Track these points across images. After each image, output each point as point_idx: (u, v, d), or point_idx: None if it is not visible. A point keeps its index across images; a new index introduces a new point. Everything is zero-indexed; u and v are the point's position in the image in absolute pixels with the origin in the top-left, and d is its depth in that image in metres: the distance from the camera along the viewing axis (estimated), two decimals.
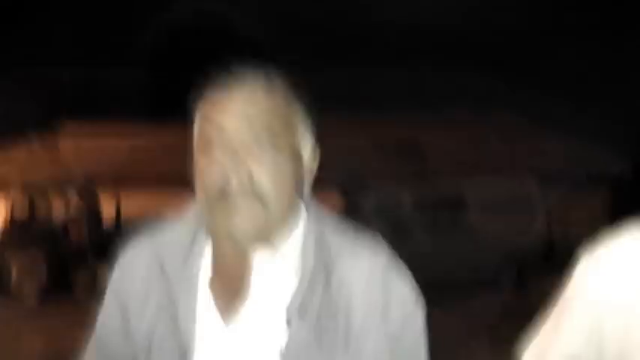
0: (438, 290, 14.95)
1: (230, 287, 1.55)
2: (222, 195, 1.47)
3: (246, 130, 1.48)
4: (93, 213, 16.57)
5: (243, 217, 1.46)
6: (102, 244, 14.32)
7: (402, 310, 1.58)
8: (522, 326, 1.99)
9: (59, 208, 16.71)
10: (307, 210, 1.60)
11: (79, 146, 24.28)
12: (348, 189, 21.99)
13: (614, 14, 25.42)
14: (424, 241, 16.13)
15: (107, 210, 17.43)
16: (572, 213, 18.15)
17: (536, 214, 19.41)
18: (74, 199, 16.68)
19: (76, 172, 19.20)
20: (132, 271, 1.64)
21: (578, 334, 1.57)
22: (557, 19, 26.57)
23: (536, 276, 14.00)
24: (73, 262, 15.20)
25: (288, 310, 1.51)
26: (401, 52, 26.75)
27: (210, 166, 1.49)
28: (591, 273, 1.56)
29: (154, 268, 1.59)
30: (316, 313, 1.49)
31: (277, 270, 1.53)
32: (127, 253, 1.67)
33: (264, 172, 1.48)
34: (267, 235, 1.51)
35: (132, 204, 17.79)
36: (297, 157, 1.55)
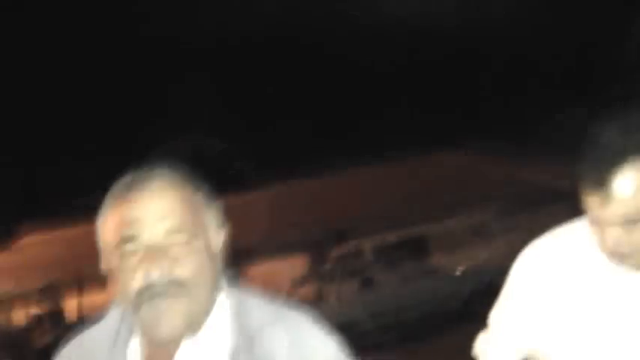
0: (411, 333, 14.98)
1: None
2: (145, 293, 1.49)
3: (157, 225, 1.52)
4: (55, 313, 16.36)
5: (169, 316, 1.49)
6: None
7: None
8: None
9: (21, 312, 16.49)
10: (224, 286, 1.62)
11: (39, 249, 23.99)
12: (309, 244, 22.05)
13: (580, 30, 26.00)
14: (390, 284, 16.12)
15: (71, 307, 17.23)
16: (534, 237, 18.21)
17: (497, 244, 19.53)
18: (35, 301, 16.49)
19: (36, 275, 18.92)
20: None
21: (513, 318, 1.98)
22: (518, 38, 27.07)
23: None
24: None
25: None
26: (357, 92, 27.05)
27: (128, 265, 1.51)
28: (521, 267, 1.99)
29: None
30: None
31: (202, 352, 1.55)
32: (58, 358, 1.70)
33: (182, 264, 1.51)
34: (194, 325, 1.54)
35: (96, 300, 17.56)
36: (207, 242, 1.58)
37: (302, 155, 24.62)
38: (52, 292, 16.96)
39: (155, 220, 1.52)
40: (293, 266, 20.61)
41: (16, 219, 24.86)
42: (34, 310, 16.54)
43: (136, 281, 1.50)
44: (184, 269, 1.51)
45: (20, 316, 16.56)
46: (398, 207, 23.39)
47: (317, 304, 14.61)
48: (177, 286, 1.49)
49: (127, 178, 1.58)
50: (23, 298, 16.78)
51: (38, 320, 16.15)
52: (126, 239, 1.52)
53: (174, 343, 1.55)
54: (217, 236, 1.62)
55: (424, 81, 27.50)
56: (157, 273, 1.49)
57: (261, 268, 21.21)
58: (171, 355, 1.55)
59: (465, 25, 25.50)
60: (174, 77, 26.77)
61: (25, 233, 25.19)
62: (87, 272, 19.06)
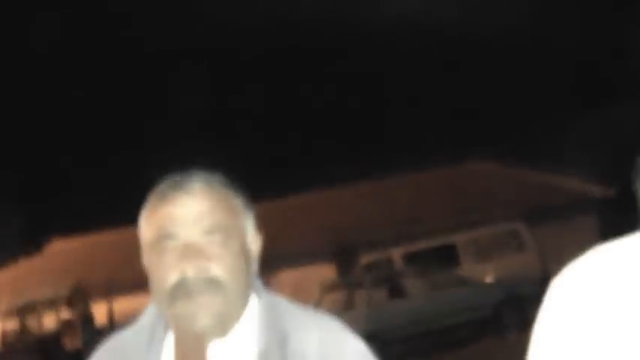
0: (439, 341, 14.88)
1: None
2: (181, 290, 1.55)
3: (195, 225, 1.58)
4: (86, 318, 16.47)
5: (204, 312, 1.55)
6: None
7: None
8: None
9: (51, 318, 16.60)
10: (256, 291, 1.67)
11: (68, 254, 24.16)
12: (339, 252, 22.02)
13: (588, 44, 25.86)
14: (420, 293, 16.04)
15: (101, 313, 17.32)
16: (564, 243, 18.09)
17: (527, 252, 19.41)
18: (65, 307, 16.59)
19: (66, 280, 19.05)
20: None
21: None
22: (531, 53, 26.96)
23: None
24: None
25: None
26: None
27: (165, 262, 1.56)
28: (561, 293, 1.65)
29: None
30: None
31: (233, 354, 1.60)
32: None
33: (218, 263, 1.56)
34: (226, 324, 1.59)
35: (125, 304, 17.63)
36: (244, 244, 1.64)
37: (329, 163, 24.62)
38: (81, 296, 17.07)
39: (193, 220, 1.58)
40: (321, 273, 20.60)
41: (46, 225, 25.10)
42: (65, 315, 16.64)
43: (172, 278, 1.54)
44: (220, 268, 1.56)
45: (51, 321, 16.67)
46: (426, 216, 23.30)
47: (346, 312, 14.59)
48: (212, 284, 1.55)
49: (168, 179, 1.64)
50: (53, 303, 16.90)
51: (69, 325, 16.26)
52: (164, 237, 1.57)
53: (205, 342, 1.59)
54: (253, 241, 1.67)
55: (449, 90, 27.41)
56: (192, 271, 1.54)
57: (290, 275, 21.22)
58: (202, 354, 1.59)
59: (490, 33, 25.45)
60: (186, 88, 27.01)
61: (54, 239, 25.38)
62: (115, 277, 19.19)
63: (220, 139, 26.19)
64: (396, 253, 19.51)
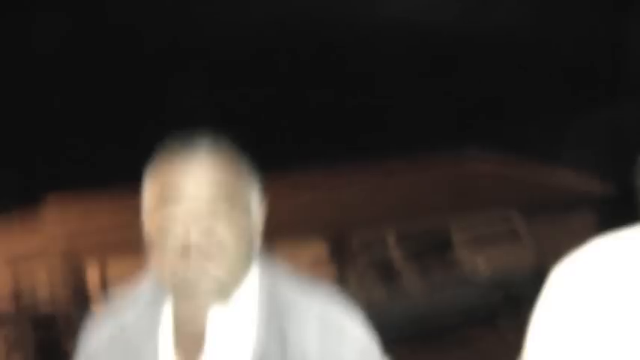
0: (432, 332, 14.87)
1: (190, 342, 1.61)
2: (184, 251, 1.53)
3: (203, 188, 1.57)
4: (79, 282, 16.53)
5: (206, 276, 1.54)
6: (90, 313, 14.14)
7: (357, 354, 1.64)
8: None
9: (44, 280, 16.66)
10: (259, 261, 1.66)
11: (63, 216, 24.12)
12: (333, 235, 21.95)
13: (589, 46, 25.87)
14: (413, 283, 16.05)
15: (94, 276, 17.34)
16: (561, 239, 18.08)
17: (524, 246, 19.40)
18: (59, 270, 16.66)
19: (60, 242, 19.08)
20: (96, 349, 1.69)
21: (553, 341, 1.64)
22: (527, 48, 26.97)
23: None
24: (61, 333, 15.07)
25: None
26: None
27: (170, 223, 1.55)
28: (558, 284, 1.65)
29: (116, 339, 1.66)
30: None
31: (233, 322, 1.60)
32: (89, 334, 1.73)
33: (223, 226, 1.55)
34: (227, 290, 1.59)
35: (119, 268, 17.63)
36: (248, 212, 1.62)
37: (326, 161, 24.51)
38: (74, 261, 17.11)
39: (197, 183, 1.57)
40: (311, 252, 20.56)
41: (40, 188, 25.10)
42: (58, 279, 16.70)
43: (176, 242, 1.54)
44: (225, 233, 1.55)
45: (44, 283, 16.73)
46: (423, 213, 23.20)
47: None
48: (216, 248, 1.54)
49: (174, 144, 1.64)
50: (46, 266, 16.93)
51: (61, 290, 16.33)
52: (168, 201, 1.56)
53: (205, 310, 1.59)
54: (258, 210, 1.66)
55: (447, 88, 27.44)
56: (196, 235, 1.54)
57: (278, 253, 21.09)
58: (202, 328, 1.59)
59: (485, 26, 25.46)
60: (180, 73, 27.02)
61: (49, 204, 25.33)
62: (110, 243, 19.21)
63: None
64: (391, 236, 19.49)
